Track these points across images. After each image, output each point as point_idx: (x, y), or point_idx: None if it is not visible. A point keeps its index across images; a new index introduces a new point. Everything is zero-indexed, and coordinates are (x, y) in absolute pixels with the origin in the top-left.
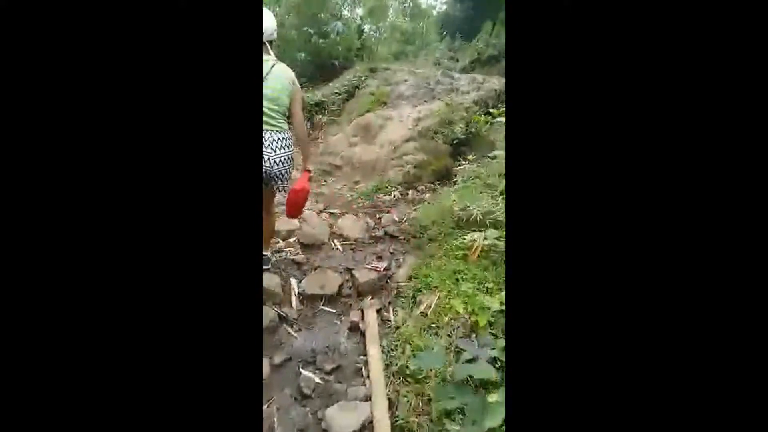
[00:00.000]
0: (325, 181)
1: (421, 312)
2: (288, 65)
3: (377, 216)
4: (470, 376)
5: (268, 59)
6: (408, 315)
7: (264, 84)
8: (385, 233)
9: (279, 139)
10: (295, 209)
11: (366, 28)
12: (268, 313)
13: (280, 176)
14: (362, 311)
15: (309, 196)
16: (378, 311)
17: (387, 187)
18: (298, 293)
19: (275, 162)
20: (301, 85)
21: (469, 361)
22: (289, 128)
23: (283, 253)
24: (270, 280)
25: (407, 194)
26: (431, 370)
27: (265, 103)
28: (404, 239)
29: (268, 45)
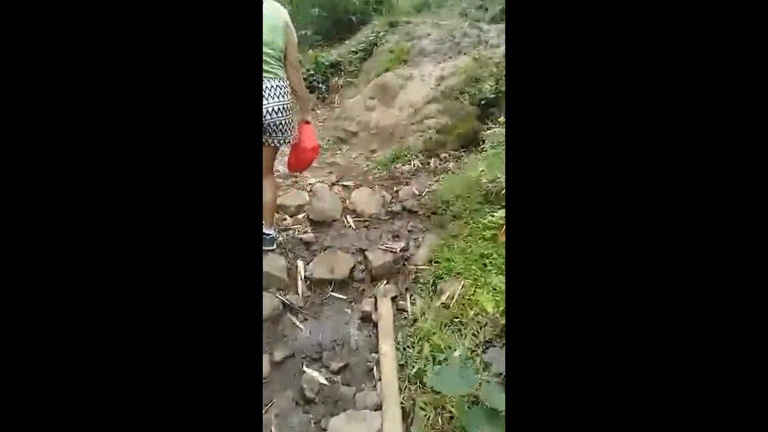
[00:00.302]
0: (339, 149)
1: (442, 303)
2: (302, 23)
3: (395, 188)
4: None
5: None
6: (427, 305)
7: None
8: (403, 208)
9: (274, 86)
10: (301, 166)
11: None
12: (272, 301)
13: (278, 127)
14: (375, 299)
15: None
16: (393, 299)
17: (406, 156)
18: (305, 277)
19: (270, 111)
20: (316, 43)
21: (500, 377)
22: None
23: (291, 231)
24: (274, 263)
25: (428, 163)
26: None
27: None
28: (424, 215)
29: None
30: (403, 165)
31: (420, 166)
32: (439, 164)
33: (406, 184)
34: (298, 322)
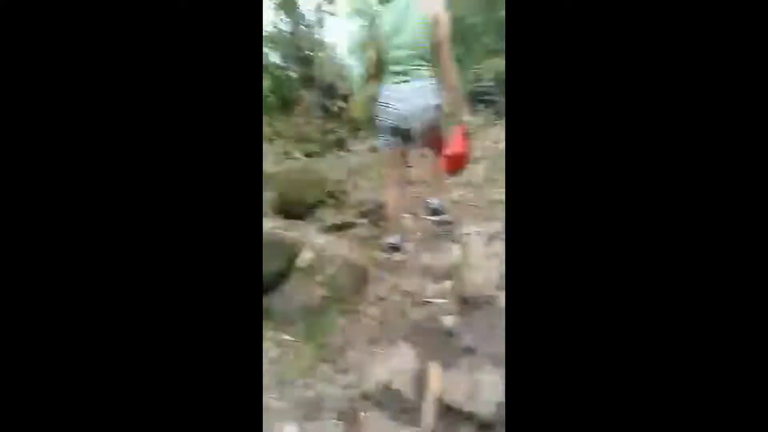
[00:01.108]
0: None
1: None
2: (487, 28)
3: None
4: None
5: None
6: None
7: (392, 26)
8: None
9: (419, 86)
10: (449, 171)
11: None
12: None
13: (416, 132)
14: None
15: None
16: None
17: None
18: (436, 398)
19: (406, 117)
20: (500, 51)
21: None
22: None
23: (433, 305)
24: (400, 364)
25: None
26: None
27: (391, 50)
28: None
29: None
30: None
31: None
32: None
33: None
34: None
